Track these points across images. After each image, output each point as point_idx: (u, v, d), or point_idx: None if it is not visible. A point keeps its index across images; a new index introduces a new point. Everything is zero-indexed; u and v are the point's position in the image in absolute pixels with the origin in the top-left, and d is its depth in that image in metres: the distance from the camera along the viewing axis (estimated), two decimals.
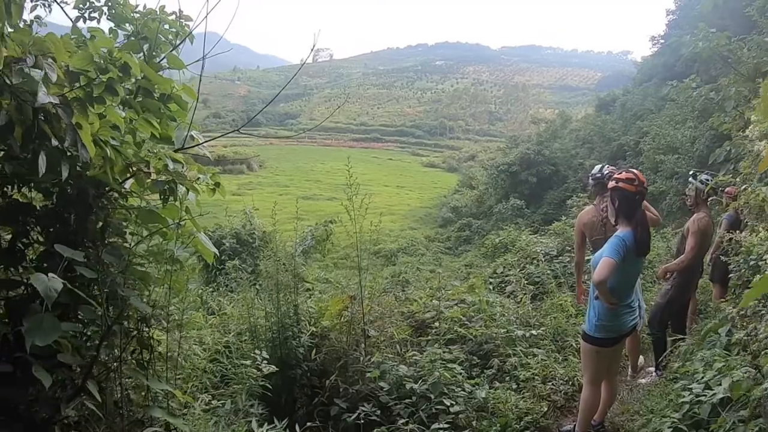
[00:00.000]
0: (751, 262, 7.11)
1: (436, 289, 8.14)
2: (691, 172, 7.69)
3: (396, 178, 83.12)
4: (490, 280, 11.27)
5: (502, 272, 11.42)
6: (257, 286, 7.49)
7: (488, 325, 7.14)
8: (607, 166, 7.86)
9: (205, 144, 4.12)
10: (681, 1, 49.33)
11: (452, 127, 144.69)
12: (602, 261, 4.86)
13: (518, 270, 10.93)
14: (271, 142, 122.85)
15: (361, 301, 6.48)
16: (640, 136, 35.65)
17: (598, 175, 7.57)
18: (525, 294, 8.55)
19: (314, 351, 6.36)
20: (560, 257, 11.41)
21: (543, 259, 10.97)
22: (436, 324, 7.09)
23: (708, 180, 7.88)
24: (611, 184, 5.27)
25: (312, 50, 4.13)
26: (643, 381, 7.20)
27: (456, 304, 7.68)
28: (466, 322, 7.21)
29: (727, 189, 9.56)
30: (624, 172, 5.30)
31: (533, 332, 7.08)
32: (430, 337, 6.89)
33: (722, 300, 7.37)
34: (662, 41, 50.03)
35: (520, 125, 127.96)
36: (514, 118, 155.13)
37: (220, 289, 12.09)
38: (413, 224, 53.30)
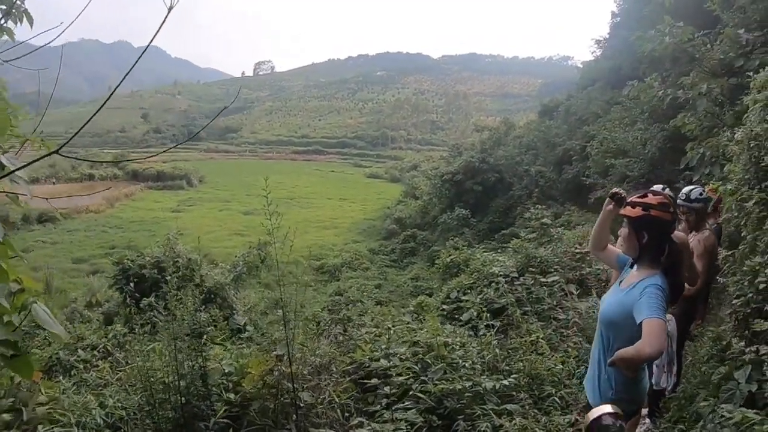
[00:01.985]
0: (761, 286, 6.04)
1: (384, 328, 6.80)
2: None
3: (339, 191, 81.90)
4: (443, 306, 9.98)
5: (456, 297, 10.11)
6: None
7: (449, 375, 5.79)
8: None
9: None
10: (624, 3, 49.49)
11: (394, 137, 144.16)
12: (653, 324, 3.43)
13: (475, 294, 9.69)
14: (212, 156, 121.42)
15: (290, 361, 5.06)
16: (586, 141, 35.03)
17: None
18: (489, 330, 7.22)
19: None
20: (521, 278, 10.03)
21: (503, 282, 9.71)
22: (387, 378, 5.66)
23: (702, 194, 6.63)
24: (636, 211, 3.94)
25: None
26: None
27: (408, 348, 6.30)
28: (423, 376, 5.82)
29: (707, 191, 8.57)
30: (652, 195, 3.99)
31: (505, 382, 5.72)
32: (378, 399, 5.50)
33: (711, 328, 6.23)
34: (606, 44, 49.97)
35: (462, 134, 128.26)
36: (456, 126, 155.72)
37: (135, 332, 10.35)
38: (357, 237, 52.25)
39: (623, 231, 4.25)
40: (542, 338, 7.00)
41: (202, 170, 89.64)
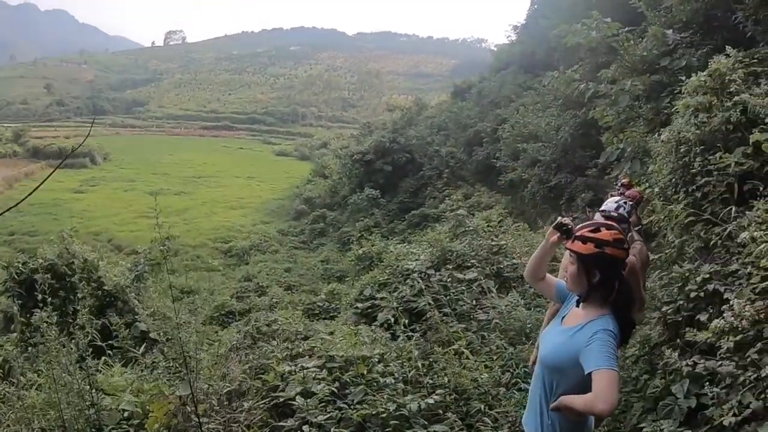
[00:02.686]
0: (692, 294, 5.89)
1: (294, 342, 6.27)
2: (617, 207, 5.78)
3: (247, 169, 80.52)
4: (357, 304, 9.52)
5: (370, 294, 9.64)
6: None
7: (370, 396, 5.31)
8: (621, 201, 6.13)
9: None
10: None
11: (305, 114, 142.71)
12: (606, 376, 3.05)
13: (390, 291, 9.26)
14: (117, 132, 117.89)
15: (195, 402, 4.50)
16: (498, 123, 35.42)
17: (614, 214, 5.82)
18: (407, 337, 6.77)
19: None
20: (438, 274, 9.59)
21: (419, 278, 9.29)
22: (302, 405, 5.11)
23: (630, 205, 6.17)
24: (588, 248, 3.44)
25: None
26: None
27: (324, 364, 5.79)
28: (341, 401, 5.32)
29: (627, 192, 8.35)
30: (605, 229, 3.49)
31: (430, 401, 5.27)
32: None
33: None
34: (522, 30, 50.39)
35: (373, 112, 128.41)
36: (367, 104, 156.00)
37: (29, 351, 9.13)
38: (265, 218, 51.71)
39: (568, 265, 3.72)
40: (464, 346, 6.60)
41: (107, 147, 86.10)
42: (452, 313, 7.97)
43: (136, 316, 12.58)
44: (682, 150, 7.44)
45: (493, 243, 10.97)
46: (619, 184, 13.01)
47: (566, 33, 14.58)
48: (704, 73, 7.78)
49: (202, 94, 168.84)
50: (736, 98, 7.16)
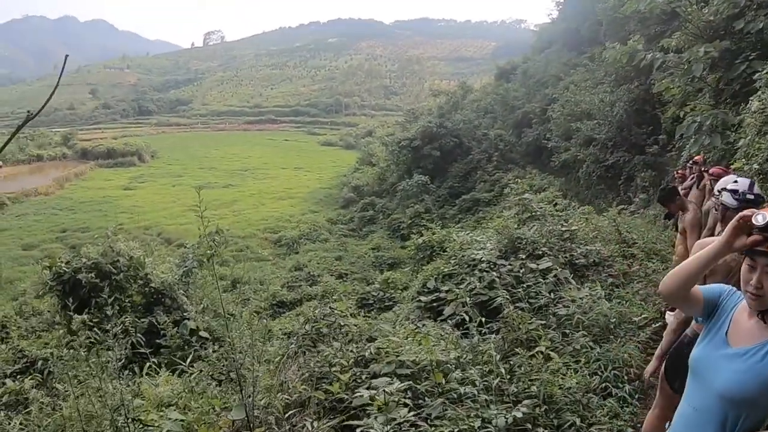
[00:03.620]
0: None
1: (362, 345, 5.57)
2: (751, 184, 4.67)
3: (293, 160, 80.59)
4: (420, 298, 8.81)
5: (434, 287, 8.91)
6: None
7: (451, 411, 4.60)
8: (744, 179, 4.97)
9: None
10: None
11: (348, 104, 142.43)
12: None
13: (456, 283, 8.53)
14: (163, 131, 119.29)
15: (250, 427, 3.85)
16: (546, 104, 35.02)
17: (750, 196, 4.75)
18: (483, 336, 6.04)
19: None
20: (508, 263, 8.83)
21: (486, 268, 8.55)
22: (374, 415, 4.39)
23: (753, 182, 4.86)
24: None
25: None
26: None
27: (394, 370, 5.10)
28: (417, 413, 4.59)
29: (711, 170, 7.84)
30: None
31: (518, 414, 4.53)
32: None
33: None
34: (563, 7, 49.65)
35: (416, 98, 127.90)
36: (410, 91, 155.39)
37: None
38: (314, 207, 51.41)
39: (751, 272, 2.61)
40: (548, 347, 5.85)
41: (154, 145, 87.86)
42: (529, 307, 7.22)
43: (185, 314, 12.09)
44: None
45: (564, 228, 10.16)
46: (691, 162, 12.24)
47: (609, 3, 13.72)
48: None
49: (245, 90, 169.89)
50: None
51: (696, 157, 11.60)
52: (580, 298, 7.17)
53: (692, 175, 11.73)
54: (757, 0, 11.28)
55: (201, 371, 5.48)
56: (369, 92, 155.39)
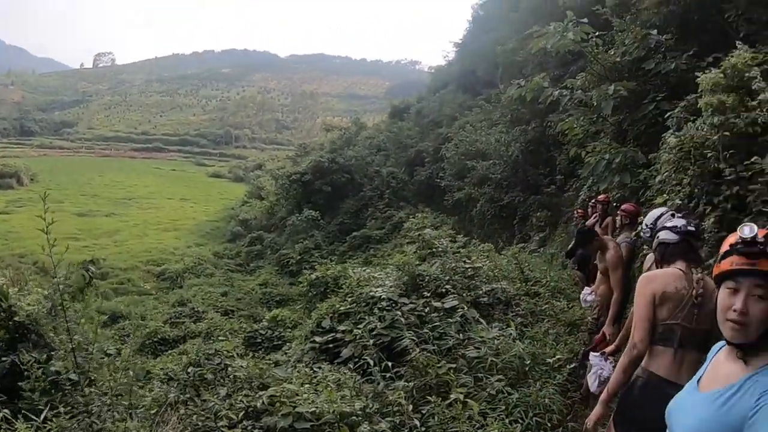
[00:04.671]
0: None
1: (253, 394, 4.86)
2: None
3: (180, 190, 78.52)
4: (315, 338, 8.12)
5: (329, 326, 8.25)
6: None
7: None
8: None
9: None
10: (481, 10, 50.80)
11: (238, 135, 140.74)
12: None
13: (353, 323, 7.91)
14: (45, 153, 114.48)
15: None
16: (440, 143, 35.29)
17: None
18: (396, 390, 5.41)
19: None
20: (410, 302, 8.24)
21: (387, 307, 7.98)
22: None
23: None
24: None
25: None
26: None
27: (292, 424, 4.40)
28: None
29: (622, 206, 7.99)
30: None
31: None
32: None
33: None
34: (459, 50, 50.83)
35: (308, 133, 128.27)
36: (302, 126, 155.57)
37: None
38: (200, 240, 50.02)
39: (744, 302, 2.22)
40: (462, 392, 5.31)
41: (34, 168, 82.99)
42: (436, 349, 6.70)
43: (52, 352, 10.94)
44: (708, 155, 6.61)
45: (467, 266, 9.76)
46: (594, 201, 12.30)
47: (508, 46, 13.86)
48: (718, 70, 6.98)
49: (133, 116, 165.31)
50: (761, 96, 6.36)
51: (600, 197, 11.70)
52: (491, 339, 6.73)
53: (595, 214, 11.83)
54: (667, 43, 11.53)
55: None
56: (260, 125, 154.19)
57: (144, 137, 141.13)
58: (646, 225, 5.02)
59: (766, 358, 2.17)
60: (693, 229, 4.22)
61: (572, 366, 6.80)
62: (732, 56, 6.95)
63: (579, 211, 14.34)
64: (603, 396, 3.87)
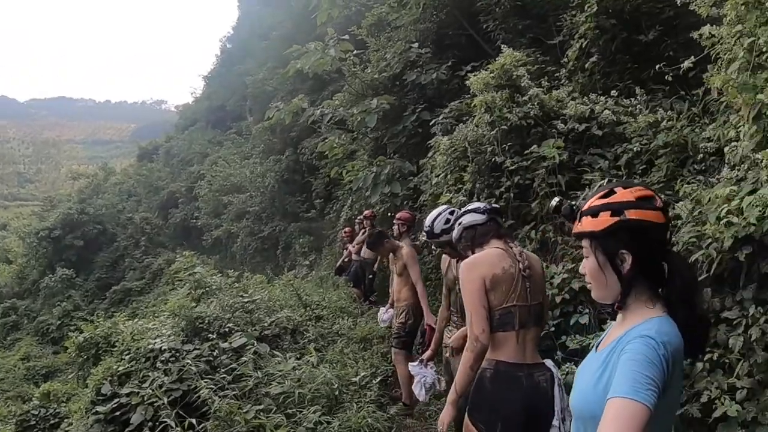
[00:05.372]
0: None
1: None
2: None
3: None
4: (97, 409, 7.42)
5: (111, 392, 7.56)
6: None
7: None
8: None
9: None
10: (229, 43, 52.35)
11: None
12: (617, 410, 1.88)
13: (139, 383, 7.33)
14: None
15: None
16: (192, 182, 35.27)
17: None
18: None
19: None
20: (195, 348, 7.76)
21: (171, 358, 7.50)
22: None
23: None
24: (603, 220, 2.19)
25: None
26: None
27: None
28: None
29: (398, 215, 7.94)
30: (622, 188, 2.22)
31: None
32: None
33: None
34: (206, 87, 51.13)
35: (53, 185, 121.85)
36: (46, 178, 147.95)
37: None
38: None
39: (585, 264, 2.35)
40: None
41: None
42: (237, 393, 6.37)
43: None
44: (487, 150, 7.23)
45: (246, 300, 9.52)
46: (361, 217, 12.68)
47: (258, 76, 14.04)
48: (487, 71, 7.57)
49: None
50: (530, 92, 7.03)
51: (365, 212, 12.18)
52: (291, 371, 6.55)
53: (363, 230, 12.23)
54: (425, 56, 12.17)
55: None
56: (1, 180, 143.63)
57: None
58: (426, 227, 5.19)
59: (641, 315, 2.20)
60: (497, 206, 4.28)
61: (378, 380, 6.88)
62: (499, 58, 7.51)
63: (347, 230, 14.65)
64: (451, 397, 3.69)
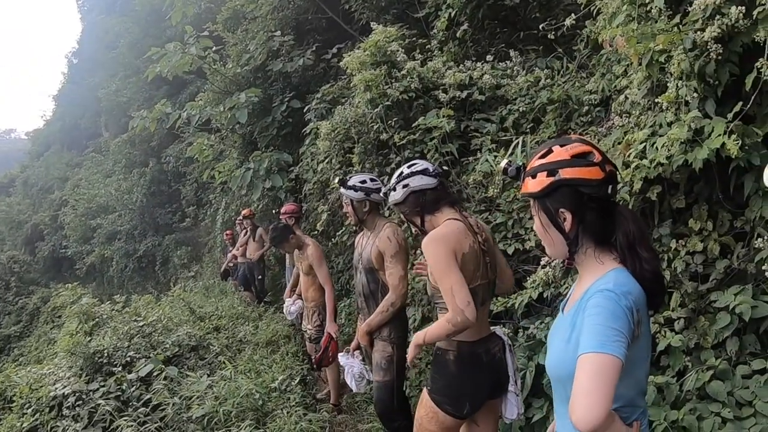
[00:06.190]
0: None
1: None
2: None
3: None
4: None
5: None
6: None
7: None
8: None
9: None
10: (73, 58, 50.45)
11: None
12: (590, 365, 1.90)
13: None
14: None
15: None
16: (56, 210, 33.84)
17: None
18: None
19: None
20: (101, 386, 7.31)
21: (78, 402, 7.03)
22: None
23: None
24: (540, 181, 2.22)
25: None
26: None
27: None
28: None
29: (283, 208, 8.19)
30: (559, 146, 2.25)
31: None
32: None
33: None
34: (57, 108, 49.50)
35: None
36: None
37: None
38: None
39: (535, 224, 2.43)
40: None
41: None
42: (160, 425, 6.03)
43: None
44: (372, 128, 7.19)
45: (141, 323, 9.08)
46: (240, 218, 12.52)
47: (111, 88, 13.63)
48: (361, 50, 7.44)
49: None
50: (407, 65, 7.00)
51: (243, 212, 12.26)
52: (207, 389, 6.27)
53: (245, 230, 12.13)
54: (288, 44, 12.03)
55: None
56: None
57: None
58: (354, 190, 4.82)
59: (596, 271, 2.24)
60: (441, 170, 3.91)
61: (310, 378, 7.04)
62: (371, 36, 7.41)
63: (227, 233, 14.51)
64: (417, 341, 3.51)
